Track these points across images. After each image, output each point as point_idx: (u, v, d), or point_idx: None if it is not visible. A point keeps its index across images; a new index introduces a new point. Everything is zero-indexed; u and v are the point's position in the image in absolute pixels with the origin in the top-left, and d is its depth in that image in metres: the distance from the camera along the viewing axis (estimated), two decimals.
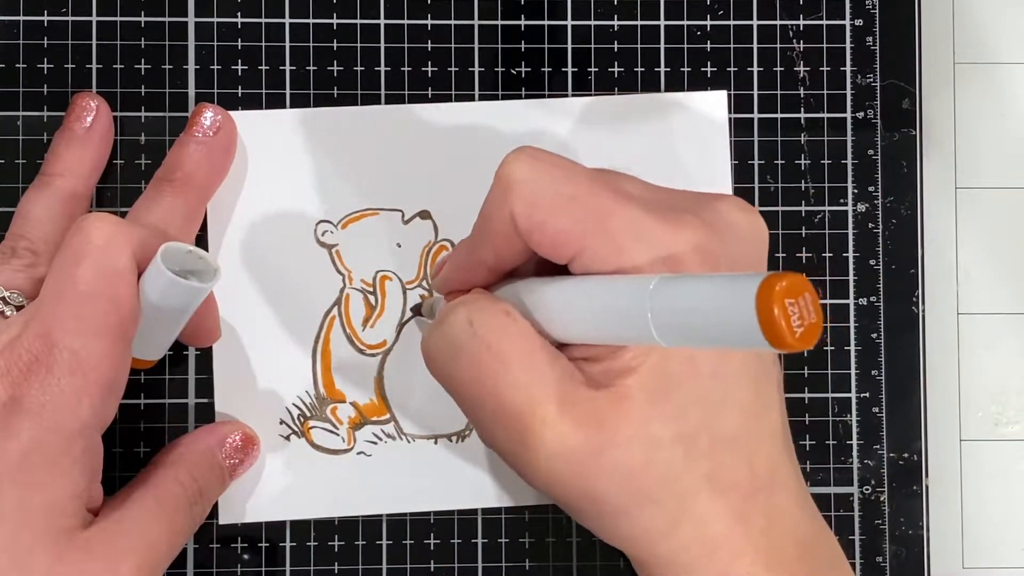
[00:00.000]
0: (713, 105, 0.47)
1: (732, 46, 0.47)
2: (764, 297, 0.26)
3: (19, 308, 0.39)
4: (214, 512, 0.44)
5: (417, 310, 0.45)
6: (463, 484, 0.46)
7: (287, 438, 0.45)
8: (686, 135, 0.46)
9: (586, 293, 0.34)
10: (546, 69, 0.47)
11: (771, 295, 0.26)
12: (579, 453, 0.34)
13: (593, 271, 0.34)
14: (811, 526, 0.37)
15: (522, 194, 0.34)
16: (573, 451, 0.34)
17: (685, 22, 0.47)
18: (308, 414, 0.45)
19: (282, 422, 0.45)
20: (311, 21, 0.46)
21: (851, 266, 0.47)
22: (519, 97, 0.46)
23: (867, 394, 0.47)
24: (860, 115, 0.47)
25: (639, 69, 0.47)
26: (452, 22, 0.47)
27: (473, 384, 0.35)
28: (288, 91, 0.46)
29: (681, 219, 0.34)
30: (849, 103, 0.47)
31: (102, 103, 0.44)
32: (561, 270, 0.35)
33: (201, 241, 0.45)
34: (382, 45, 0.46)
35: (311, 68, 0.46)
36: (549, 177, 0.35)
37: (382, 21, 0.47)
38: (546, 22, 0.47)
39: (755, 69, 0.47)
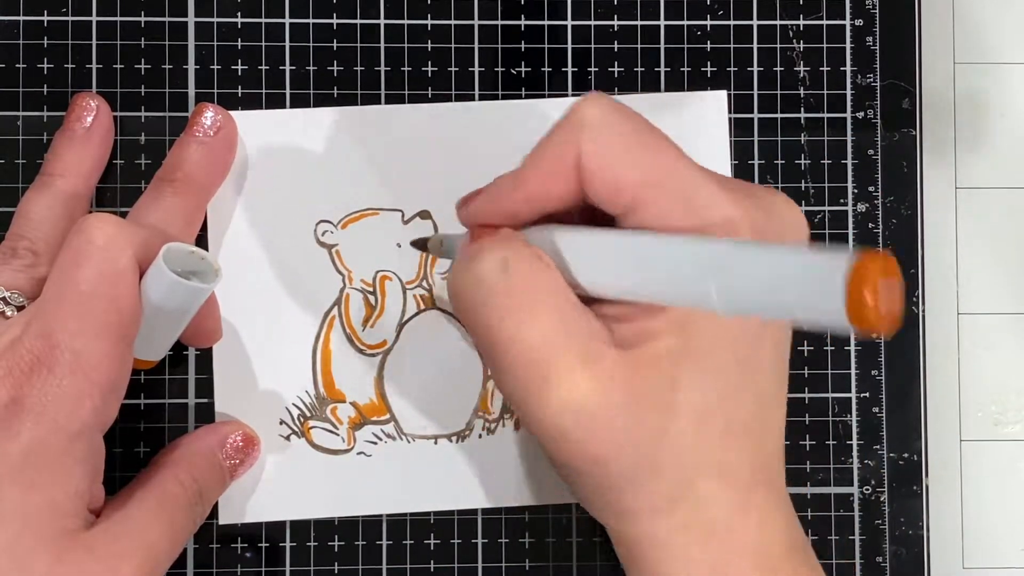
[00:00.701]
0: (713, 105, 0.47)
1: (732, 46, 0.47)
2: (858, 276, 0.26)
3: (20, 308, 0.39)
4: (214, 512, 0.44)
5: (421, 245, 0.43)
6: (463, 484, 0.46)
7: (287, 438, 0.45)
8: (686, 135, 0.46)
9: (641, 247, 0.33)
10: (546, 69, 0.47)
11: (864, 275, 0.26)
12: (595, 411, 0.34)
13: (648, 226, 0.34)
14: (796, 530, 0.37)
15: (594, 135, 0.34)
16: (589, 408, 0.33)
17: (685, 22, 0.47)
18: (308, 414, 0.45)
19: (282, 422, 0.45)
20: (311, 21, 0.46)
21: None
22: (519, 97, 0.46)
23: (867, 394, 0.47)
24: (860, 115, 0.47)
25: (639, 69, 0.47)
26: (452, 22, 0.47)
27: (499, 328, 0.34)
28: (288, 91, 0.46)
29: (740, 194, 0.34)
30: (849, 103, 0.47)
31: (102, 103, 0.44)
32: (601, 223, 0.35)
33: (201, 241, 0.45)
34: (382, 45, 0.46)
35: (311, 68, 0.46)
36: (624, 125, 0.35)
37: (382, 21, 0.47)
38: (546, 22, 0.47)
39: (755, 69, 0.47)
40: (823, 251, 0.27)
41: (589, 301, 0.35)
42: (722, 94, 0.47)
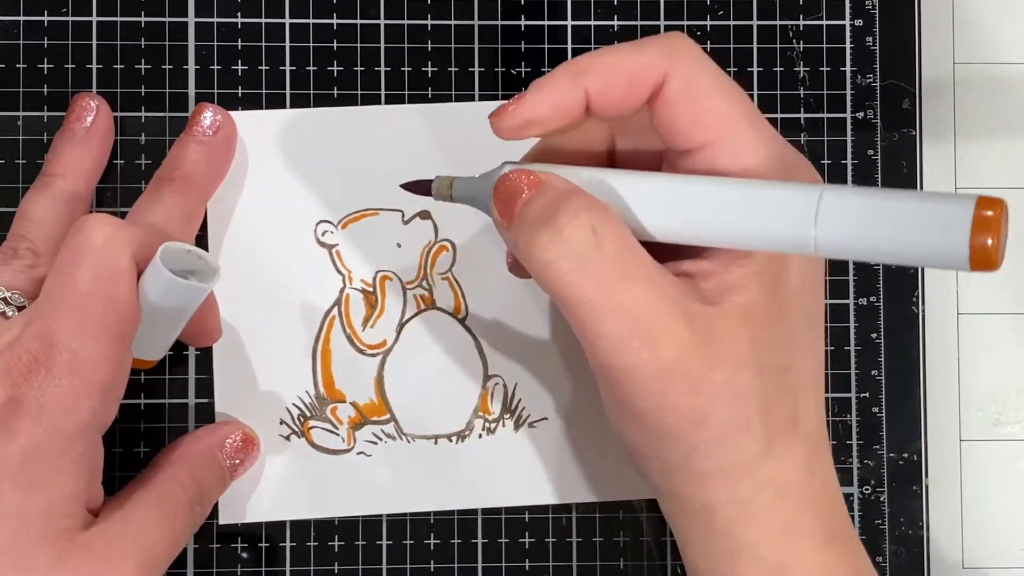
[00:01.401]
0: None
1: (732, 46, 0.47)
2: (982, 218, 0.27)
3: (20, 309, 0.39)
4: (214, 512, 0.44)
5: (424, 189, 0.40)
6: (463, 484, 0.46)
7: (287, 438, 0.45)
8: None
9: (734, 191, 0.33)
10: (546, 69, 0.47)
11: (989, 218, 0.27)
12: (696, 367, 0.34)
13: (719, 165, 0.34)
14: (839, 488, 0.38)
15: (689, 64, 0.35)
16: (690, 364, 0.34)
17: (685, 22, 0.47)
18: (308, 414, 0.45)
19: (282, 422, 0.45)
20: (311, 21, 0.46)
21: (851, 266, 0.47)
22: None
23: (867, 394, 0.47)
24: (860, 115, 0.47)
25: None
26: (452, 22, 0.47)
27: (598, 297, 0.34)
28: (288, 91, 0.46)
29: (798, 158, 0.36)
30: (849, 103, 0.47)
31: (102, 103, 0.44)
32: (645, 164, 0.36)
33: (201, 241, 0.45)
34: (382, 45, 0.46)
35: (311, 68, 0.46)
36: (713, 66, 0.35)
37: (382, 21, 0.47)
38: (546, 22, 0.47)
39: (755, 69, 0.47)
40: (941, 196, 0.28)
41: (660, 258, 0.35)
42: None
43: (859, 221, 0.30)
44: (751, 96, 0.47)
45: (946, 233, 0.27)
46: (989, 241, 0.27)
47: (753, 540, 0.36)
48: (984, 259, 0.27)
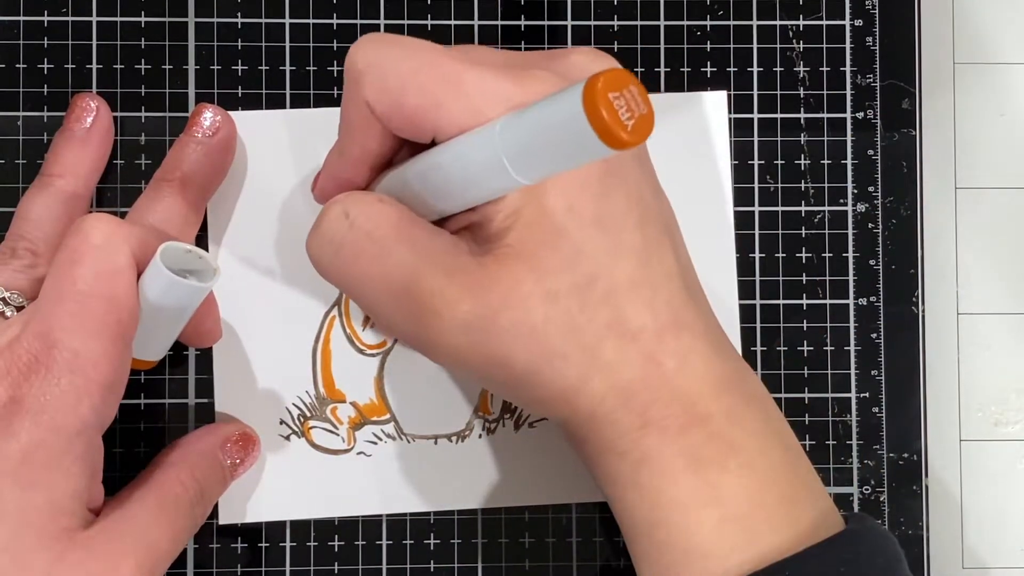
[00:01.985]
0: (713, 105, 0.47)
1: (732, 46, 0.47)
2: (589, 97, 0.26)
3: (19, 309, 0.39)
4: (214, 512, 0.44)
5: None
6: (463, 484, 0.46)
7: (287, 438, 0.45)
8: (686, 136, 0.46)
9: (443, 157, 0.34)
10: None
11: (594, 93, 0.26)
12: (477, 320, 0.34)
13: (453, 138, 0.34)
14: (725, 365, 0.37)
15: (371, 80, 0.35)
16: (470, 319, 0.34)
17: (685, 22, 0.47)
18: (308, 414, 0.45)
19: (282, 422, 0.45)
20: (311, 21, 0.46)
21: (851, 266, 0.47)
22: None
23: (867, 394, 0.47)
24: (860, 115, 0.47)
25: (639, 69, 0.47)
26: (452, 22, 0.47)
27: (361, 275, 0.35)
28: (288, 91, 0.46)
29: (531, 74, 0.35)
30: (849, 103, 0.47)
31: (102, 103, 0.44)
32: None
33: (201, 241, 0.45)
34: None
35: (311, 68, 0.46)
36: (395, 57, 0.35)
37: (382, 21, 0.47)
38: (546, 22, 0.47)
39: (755, 69, 0.47)
40: (565, 89, 0.28)
41: (442, 224, 0.36)
42: (722, 95, 0.47)
43: (531, 138, 0.30)
44: (751, 96, 0.47)
45: (573, 123, 0.27)
46: (604, 114, 0.26)
47: (608, 443, 0.36)
48: (608, 135, 0.26)
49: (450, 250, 0.35)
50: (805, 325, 0.47)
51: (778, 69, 0.47)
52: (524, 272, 0.34)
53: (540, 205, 0.34)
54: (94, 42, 0.46)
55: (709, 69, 0.47)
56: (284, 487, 0.45)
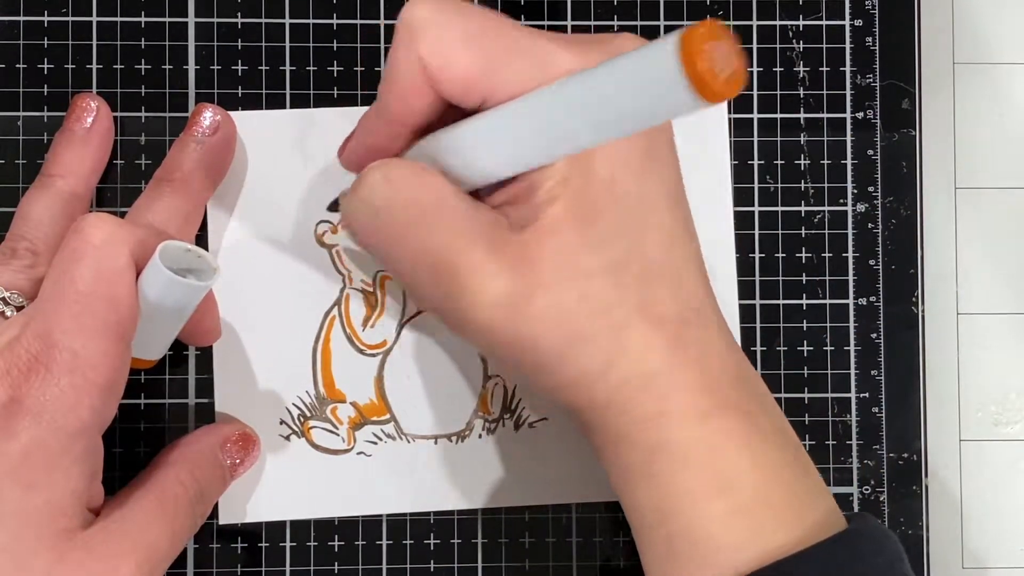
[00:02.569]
0: (714, 107, 0.46)
1: None
2: (687, 45, 0.26)
3: (19, 309, 0.39)
4: (214, 512, 0.44)
5: (334, 206, 0.43)
6: (463, 484, 0.46)
7: (287, 438, 0.45)
8: (686, 136, 0.46)
9: (500, 119, 0.33)
10: None
11: (693, 42, 0.26)
12: (511, 297, 0.34)
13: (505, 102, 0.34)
14: (739, 360, 0.37)
15: (428, 36, 0.34)
16: (505, 296, 0.34)
17: (685, 22, 0.47)
18: (308, 414, 0.45)
19: (282, 422, 0.45)
20: (311, 21, 0.46)
21: (851, 266, 0.47)
22: None
23: (867, 394, 0.47)
24: (860, 115, 0.47)
25: None
26: None
27: (398, 242, 0.35)
28: (288, 91, 0.46)
29: (585, 46, 0.35)
30: (849, 103, 0.47)
31: (102, 104, 0.44)
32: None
33: (201, 241, 0.45)
34: (382, 45, 0.46)
35: (311, 68, 0.46)
36: (453, 16, 0.35)
37: (382, 21, 0.47)
38: (546, 22, 0.47)
39: (755, 69, 0.47)
40: (653, 42, 0.27)
41: (482, 197, 0.36)
42: None
43: (609, 94, 0.29)
44: (751, 96, 0.47)
45: (663, 77, 0.26)
46: (700, 65, 0.25)
47: (624, 430, 0.35)
48: (703, 86, 0.26)
49: (491, 224, 0.34)
50: (805, 325, 0.47)
51: (778, 69, 0.47)
52: (563, 247, 0.34)
53: (588, 176, 0.34)
54: (94, 42, 0.46)
55: None
56: (284, 487, 0.45)
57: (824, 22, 0.47)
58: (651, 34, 0.47)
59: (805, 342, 0.47)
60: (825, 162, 0.47)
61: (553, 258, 0.34)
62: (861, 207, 0.47)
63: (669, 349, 0.35)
